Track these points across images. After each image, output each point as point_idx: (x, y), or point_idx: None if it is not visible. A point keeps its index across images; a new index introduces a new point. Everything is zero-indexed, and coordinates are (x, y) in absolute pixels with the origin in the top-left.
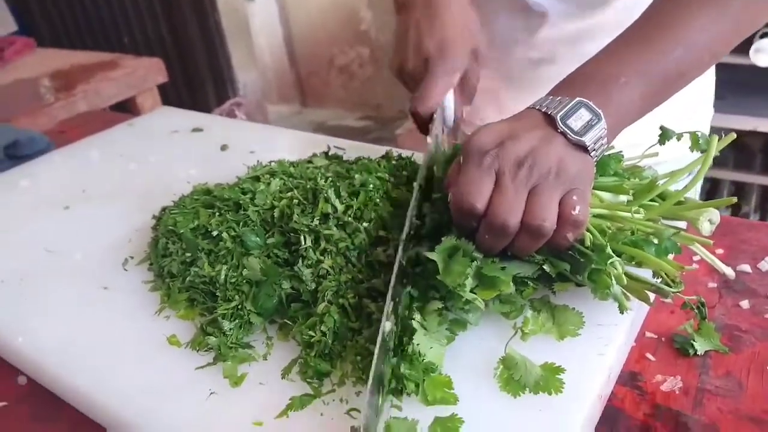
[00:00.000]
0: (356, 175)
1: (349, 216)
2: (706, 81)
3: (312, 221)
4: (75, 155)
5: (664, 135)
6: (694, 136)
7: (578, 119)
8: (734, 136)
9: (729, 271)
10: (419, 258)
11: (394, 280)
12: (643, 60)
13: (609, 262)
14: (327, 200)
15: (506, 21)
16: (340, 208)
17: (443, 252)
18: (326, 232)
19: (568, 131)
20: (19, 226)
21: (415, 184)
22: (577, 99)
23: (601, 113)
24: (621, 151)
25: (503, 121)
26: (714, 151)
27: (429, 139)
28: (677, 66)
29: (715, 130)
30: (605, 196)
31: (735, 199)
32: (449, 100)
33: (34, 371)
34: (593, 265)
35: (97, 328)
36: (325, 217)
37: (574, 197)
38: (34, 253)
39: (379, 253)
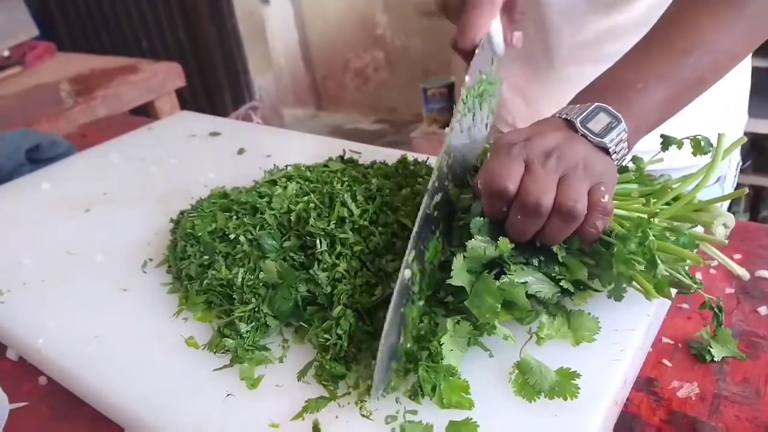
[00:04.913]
0: (373, 180)
1: (365, 220)
2: (741, 86)
3: (328, 225)
4: (96, 159)
5: (666, 142)
6: (695, 141)
7: (598, 123)
8: (744, 139)
9: (743, 272)
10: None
11: (417, 228)
12: (660, 65)
13: (648, 240)
14: (343, 204)
15: (530, 23)
16: (356, 212)
17: (468, 262)
18: (342, 235)
19: (588, 133)
20: (40, 229)
21: (441, 156)
22: (596, 104)
23: (620, 116)
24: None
25: (527, 126)
26: (722, 152)
27: (467, 78)
28: (695, 69)
29: None
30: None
31: (746, 191)
32: (496, 28)
33: (55, 372)
34: (620, 254)
35: (116, 330)
36: (341, 221)
37: (602, 188)
38: (56, 255)
39: (386, 263)
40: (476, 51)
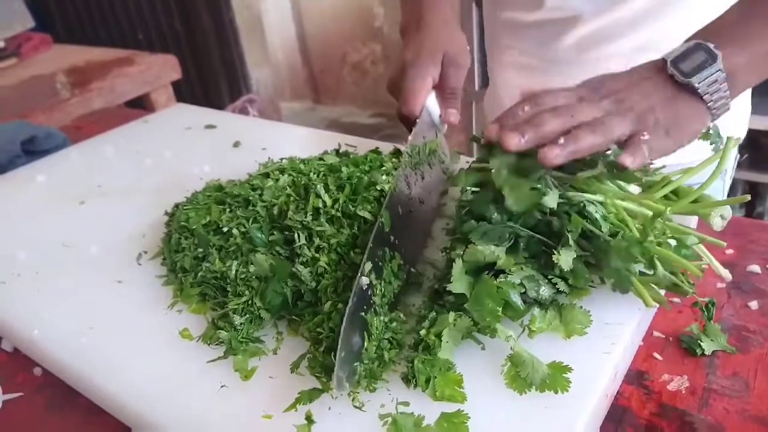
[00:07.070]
0: (343, 168)
1: (337, 210)
2: None
3: (305, 217)
4: (91, 151)
5: None
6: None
7: (692, 61)
8: (741, 138)
9: (726, 274)
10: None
11: (372, 243)
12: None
13: (647, 240)
14: (317, 195)
15: (532, 23)
16: (329, 201)
17: (467, 264)
18: (318, 228)
19: (676, 73)
20: (35, 221)
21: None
22: (696, 42)
23: (719, 55)
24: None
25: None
26: (729, 151)
27: (409, 137)
28: None
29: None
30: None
31: (748, 197)
32: (433, 103)
33: (49, 363)
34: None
35: (110, 321)
36: (316, 212)
37: (646, 134)
38: (50, 247)
39: (354, 255)
40: (417, 120)
